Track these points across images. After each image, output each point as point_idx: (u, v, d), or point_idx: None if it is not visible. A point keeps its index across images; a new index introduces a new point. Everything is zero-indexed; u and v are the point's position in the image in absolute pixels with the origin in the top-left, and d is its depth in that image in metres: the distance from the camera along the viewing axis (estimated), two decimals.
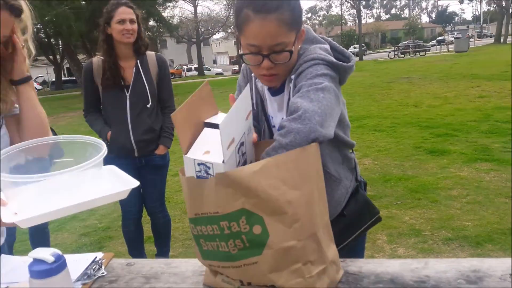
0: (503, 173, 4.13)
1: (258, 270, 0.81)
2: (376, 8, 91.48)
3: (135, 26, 2.36)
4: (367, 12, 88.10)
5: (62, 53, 28.30)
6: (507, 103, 7.50)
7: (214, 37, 59.10)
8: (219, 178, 0.80)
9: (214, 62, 70.83)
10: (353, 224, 1.23)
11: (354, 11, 48.36)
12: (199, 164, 0.84)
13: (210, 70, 44.82)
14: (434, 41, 47.89)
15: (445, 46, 32.26)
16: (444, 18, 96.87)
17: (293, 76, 1.08)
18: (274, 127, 1.25)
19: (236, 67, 42.41)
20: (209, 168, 0.83)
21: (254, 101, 1.27)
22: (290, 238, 0.80)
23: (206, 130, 0.93)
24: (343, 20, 64.20)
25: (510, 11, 35.94)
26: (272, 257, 0.80)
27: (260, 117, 1.29)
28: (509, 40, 33.87)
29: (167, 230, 2.84)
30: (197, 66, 41.98)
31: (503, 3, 36.52)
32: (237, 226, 0.80)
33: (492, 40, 37.62)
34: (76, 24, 16.20)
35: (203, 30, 46.75)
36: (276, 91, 1.18)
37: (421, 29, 66.20)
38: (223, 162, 0.80)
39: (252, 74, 1.22)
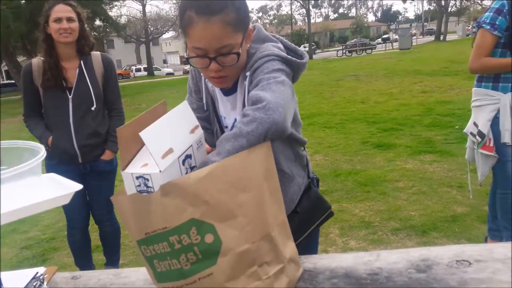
0: (445, 163, 4.36)
1: (214, 281, 0.78)
2: (325, 8, 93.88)
3: (74, 24, 2.24)
4: (316, 11, 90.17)
5: None
6: (448, 97, 7.95)
7: (164, 36, 58.09)
8: (165, 189, 0.76)
9: (165, 62, 69.67)
10: (306, 220, 1.24)
11: (304, 10, 49.24)
12: (137, 178, 0.80)
13: (160, 70, 43.96)
14: (379, 39, 49.89)
15: (390, 44, 33.76)
16: (388, 16, 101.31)
17: (248, 73, 1.07)
18: (226, 127, 1.23)
19: (187, 67, 41.60)
20: (147, 180, 0.79)
21: (204, 102, 1.24)
22: (243, 242, 0.79)
23: None
24: (293, 20, 65.34)
25: (449, 10, 38.18)
26: (228, 265, 0.78)
27: (212, 118, 1.26)
28: (448, 37, 35.97)
29: (117, 238, 2.72)
30: (146, 66, 41.00)
31: (443, 2, 38.67)
32: (188, 238, 0.77)
33: (433, 37, 39.73)
34: (15, 24, 15.27)
35: (152, 29, 45.77)
36: (228, 91, 1.16)
37: (367, 28, 68.78)
38: (160, 171, 0.77)
39: (202, 74, 1.19)
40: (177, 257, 0.79)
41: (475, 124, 2.31)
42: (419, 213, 3.28)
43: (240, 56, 1.01)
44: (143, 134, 0.75)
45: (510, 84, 2.18)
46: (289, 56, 1.06)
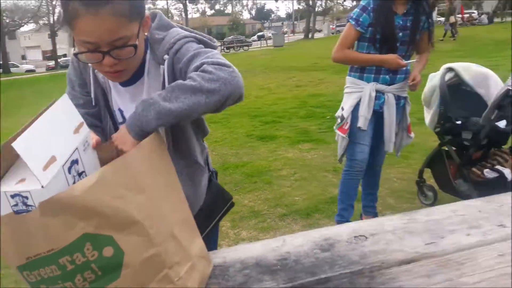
0: (321, 150, 4.73)
1: None
2: (201, 3, 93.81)
3: None
4: (193, 7, 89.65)
5: None
6: (319, 90, 8.60)
7: (23, 29, 51.75)
8: (45, 206, 0.65)
9: (23, 57, 62.25)
10: (209, 214, 1.21)
11: (181, 5, 48.36)
12: (13, 196, 0.68)
13: (18, 67, 39.06)
14: (255, 37, 51.80)
15: (265, 41, 35.37)
16: (262, 15, 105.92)
17: (166, 56, 0.98)
18: (122, 123, 1.11)
19: (51, 63, 37.96)
20: (26, 198, 0.67)
21: (93, 96, 1.10)
22: (148, 246, 0.72)
23: None
24: (170, 14, 63.94)
25: (316, 10, 41.37)
26: (134, 275, 0.70)
27: (103, 114, 1.13)
28: (316, 36, 39.02)
29: None
30: (1, 62, 36.02)
31: (310, 2, 41.69)
32: (82, 257, 0.68)
33: (302, 36, 42.67)
34: None
35: (8, 21, 40.33)
36: (128, 81, 1.04)
37: (243, 25, 70.96)
38: (42, 187, 0.66)
39: (89, 64, 1.06)
40: (71, 279, 0.69)
41: (342, 108, 2.55)
42: (302, 197, 3.50)
43: (137, 47, 0.92)
44: (17, 144, 0.63)
45: (372, 75, 2.43)
46: (204, 38, 1.02)
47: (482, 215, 0.98)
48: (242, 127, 6.25)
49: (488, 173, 2.59)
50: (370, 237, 0.93)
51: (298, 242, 0.94)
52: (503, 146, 2.83)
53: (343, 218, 2.72)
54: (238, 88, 0.86)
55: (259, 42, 37.15)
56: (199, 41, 1.01)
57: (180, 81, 0.84)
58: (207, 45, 1.02)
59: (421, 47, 2.52)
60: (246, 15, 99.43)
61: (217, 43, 1.08)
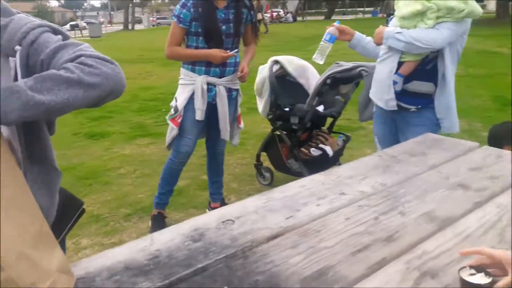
0: (161, 144, 4.62)
1: None
2: None
3: None
4: None
5: None
6: (149, 83, 8.38)
7: None
8: None
9: None
10: (59, 225, 1.06)
11: None
12: None
13: None
14: (67, 26, 47.07)
15: (80, 31, 32.49)
16: (73, 3, 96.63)
17: (18, 47, 0.80)
18: None
19: None
20: None
21: None
22: None
23: None
24: None
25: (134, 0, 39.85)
26: None
27: None
28: (136, 27, 37.74)
29: None
30: None
31: None
32: None
33: (121, 26, 40.68)
34: None
35: None
36: None
37: (52, 13, 63.68)
38: None
39: None
40: None
41: (176, 99, 2.55)
42: (146, 194, 3.38)
43: None
44: None
45: (204, 68, 2.46)
46: (57, 28, 0.90)
47: (325, 187, 1.12)
48: (66, 125, 5.63)
49: (314, 151, 2.97)
50: (237, 220, 0.97)
51: (167, 237, 0.90)
52: (322, 127, 3.29)
53: (161, 201, 2.81)
54: (120, 85, 0.82)
55: (73, 32, 33.87)
56: (54, 31, 0.90)
57: (53, 71, 0.72)
58: (63, 35, 0.91)
59: (246, 39, 2.69)
60: (54, 3, 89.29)
61: (68, 32, 0.97)
